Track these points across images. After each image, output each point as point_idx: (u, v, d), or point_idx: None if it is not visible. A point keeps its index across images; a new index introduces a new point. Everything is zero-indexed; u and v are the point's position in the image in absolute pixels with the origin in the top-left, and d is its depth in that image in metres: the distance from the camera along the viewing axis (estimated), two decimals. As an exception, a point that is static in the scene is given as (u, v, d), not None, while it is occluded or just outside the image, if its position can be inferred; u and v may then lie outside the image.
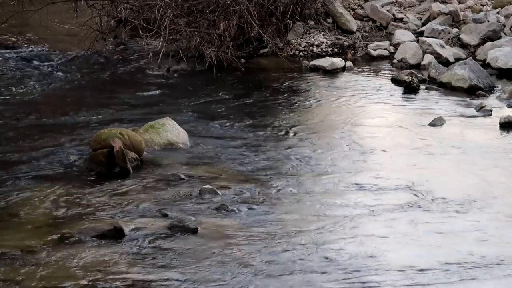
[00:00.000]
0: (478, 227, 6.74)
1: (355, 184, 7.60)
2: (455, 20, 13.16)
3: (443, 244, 6.39)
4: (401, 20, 13.43)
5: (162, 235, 6.43)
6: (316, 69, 11.89)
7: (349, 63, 12.02)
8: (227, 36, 12.02)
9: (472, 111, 9.93)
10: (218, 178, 7.70)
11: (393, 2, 13.93)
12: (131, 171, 7.79)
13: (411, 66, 11.90)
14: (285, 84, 11.20)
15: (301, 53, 12.62)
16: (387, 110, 10.04)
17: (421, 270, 5.96)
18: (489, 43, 12.27)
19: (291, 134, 9.07)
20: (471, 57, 11.78)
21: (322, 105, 10.26)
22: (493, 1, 13.72)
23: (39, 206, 7.00)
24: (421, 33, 12.86)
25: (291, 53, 12.60)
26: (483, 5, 13.71)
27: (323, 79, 11.51)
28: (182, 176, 7.69)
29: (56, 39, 13.59)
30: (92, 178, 7.68)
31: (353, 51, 12.71)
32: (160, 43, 11.81)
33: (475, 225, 6.77)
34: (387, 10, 13.53)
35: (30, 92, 10.66)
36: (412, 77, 10.90)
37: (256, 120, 9.59)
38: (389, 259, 6.11)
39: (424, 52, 12.11)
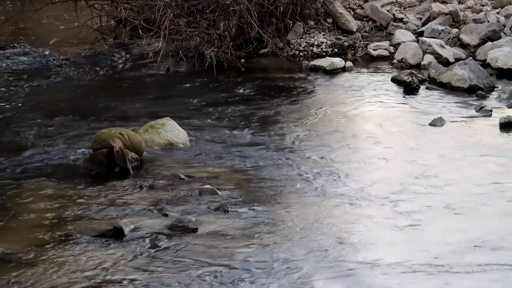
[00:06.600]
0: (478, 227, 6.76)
1: (355, 184, 7.60)
2: (455, 20, 13.16)
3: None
4: (401, 20, 13.43)
5: (162, 235, 6.43)
6: (316, 69, 11.89)
7: (349, 63, 12.01)
8: (227, 36, 12.03)
9: (472, 111, 9.92)
10: (218, 178, 7.70)
11: (393, 2, 13.93)
12: (131, 171, 7.80)
13: (411, 66, 11.90)
14: (285, 84, 11.20)
15: (301, 53, 12.61)
16: (387, 110, 10.03)
17: None
18: (489, 43, 12.27)
19: (291, 134, 9.05)
20: (471, 57, 11.78)
21: (322, 106, 10.25)
22: (493, 1, 13.72)
23: (39, 206, 7.00)
24: (421, 33, 12.86)
25: (291, 53, 12.60)
26: (483, 5, 13.71)
27: (323, 79, 11.51)
28: (182, 176, 7.69)
29: (56, 39, 13.60)
30: (92, 178, 7.68)
31: (353, 51, 12.70)
32: (160, 43, 11.81)
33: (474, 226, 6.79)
34: (387, 10, 13.53)
35: (30, 92, 10.66)
36: (412, 77, 10.89)
37: (256, 120, 9.59)
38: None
39: (424, 52, 12.11)
